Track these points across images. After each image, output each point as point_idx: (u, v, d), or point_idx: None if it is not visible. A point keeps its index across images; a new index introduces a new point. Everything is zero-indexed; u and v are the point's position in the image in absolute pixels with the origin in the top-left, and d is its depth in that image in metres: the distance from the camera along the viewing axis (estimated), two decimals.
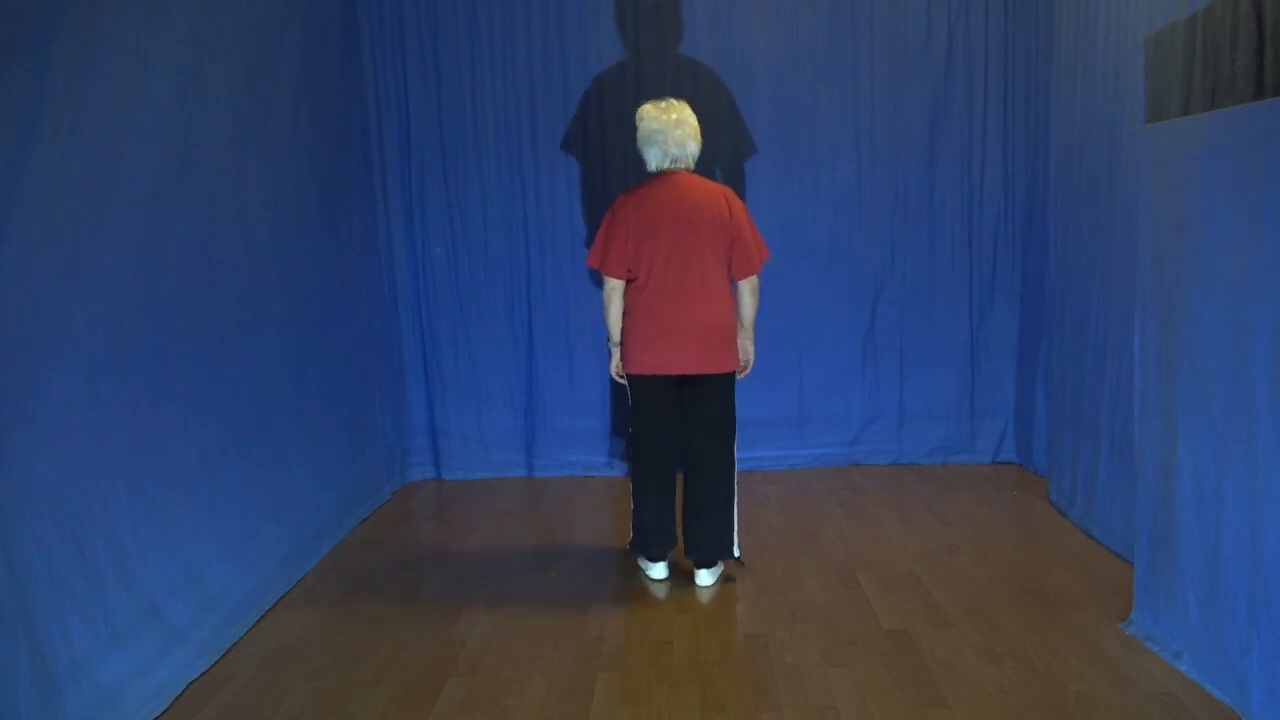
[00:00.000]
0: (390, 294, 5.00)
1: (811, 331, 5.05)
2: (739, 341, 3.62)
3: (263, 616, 3.44)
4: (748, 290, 3.57)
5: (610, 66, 4.90)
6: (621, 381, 3.66)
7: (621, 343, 3.58)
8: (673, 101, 3.56)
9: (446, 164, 4.97)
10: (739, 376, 3.69)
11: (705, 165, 4.95)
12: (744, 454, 5.08)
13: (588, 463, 5.16)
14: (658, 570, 3.71)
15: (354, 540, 4.26)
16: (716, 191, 3.51)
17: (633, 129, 4.93)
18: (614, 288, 3.52)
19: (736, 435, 3.64)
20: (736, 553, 3.68)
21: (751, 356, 3.67)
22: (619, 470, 5.09)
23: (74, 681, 2.44)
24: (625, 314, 3.55)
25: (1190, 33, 2.78)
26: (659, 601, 3.53)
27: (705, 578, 3.65)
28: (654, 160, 3.53)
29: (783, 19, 4.89)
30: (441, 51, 4.88)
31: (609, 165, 4.93)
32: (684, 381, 3.56)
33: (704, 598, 3.57)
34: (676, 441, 3.65)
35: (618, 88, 4.89)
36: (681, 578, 3.73)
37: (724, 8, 4.87)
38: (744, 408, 5.06)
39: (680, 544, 3.77)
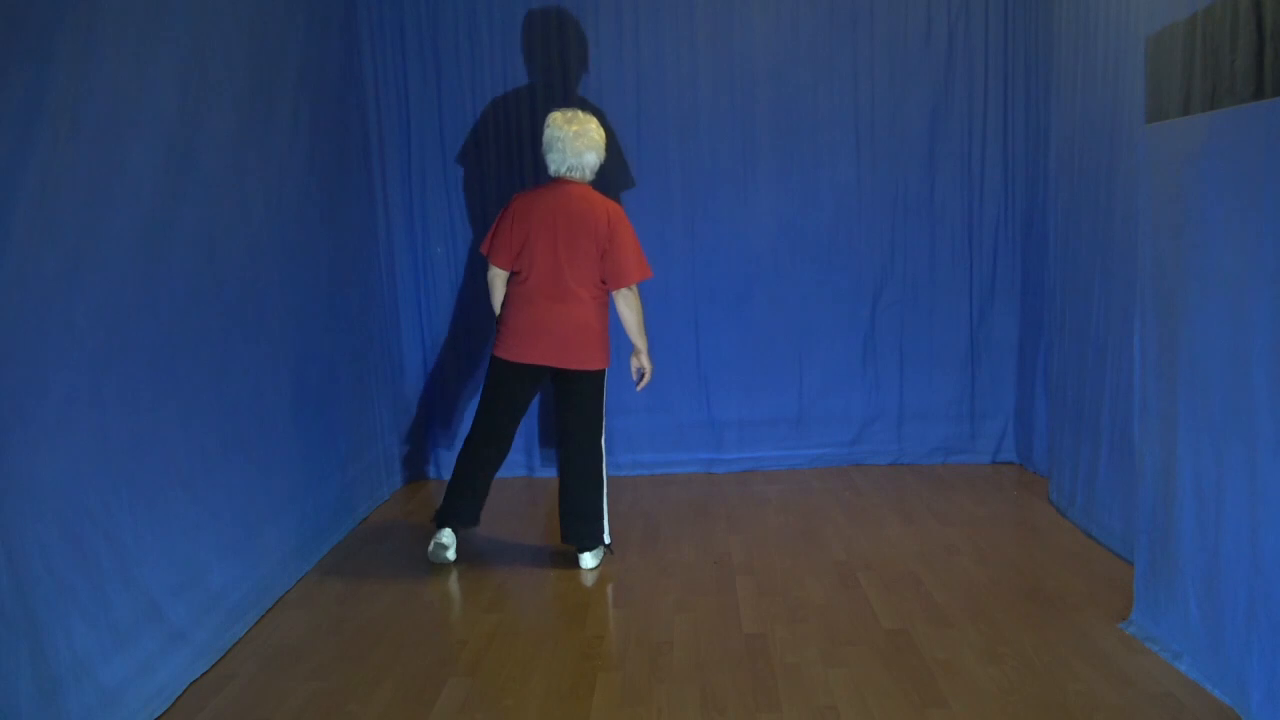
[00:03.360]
0: (390, 294, 5.00)
1: (811, 331, 5.05)
2: (632, 359, 3.91)
3: (263, 616, 3.44)
4: (621, 301, 3.80)
5: (611, 66, 4.89)
6: None
7: (497, 329, 3.86)
8: (579, 113, 3.80)
9: (446, 164, 4.97)
10: (638, 388, 3.99)
11: (708, 156, 4.98)
12: (744, 454, 5.13)
13: None
14: (444, 536, 3.91)
15: (354, 540, 4.26)
16: (600, 206, 3.75)
17: (633, 129, 4.94)
18: (495, 275, 3.84)
19: (603, 429, 3.89)
20: (607, 539, 3.92)
21: (648, 368, 3.91)
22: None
23: (75, 681, 2.44)
24: (506, 303, 3.82)
25: (1190, 33, 2.78)
26: (659, 601, 3.54)
27: (588, 560, 3.85)
28: (553, 165, 3.78)
29: (783, 19, 4.89)
30: (441, 51, 4.88)
31: (609, 164, 4.91)
32: (555, 376, 3.82)
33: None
34: (509, 433, 3.92)
35: (618, 87, 4.89)
36: (682, 576, 3.73)
37: (724, 8, 4.87)
38: (744, 408, 5.12)
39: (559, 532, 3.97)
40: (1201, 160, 2.74)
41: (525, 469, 5.19)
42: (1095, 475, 3.90)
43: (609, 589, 3.68)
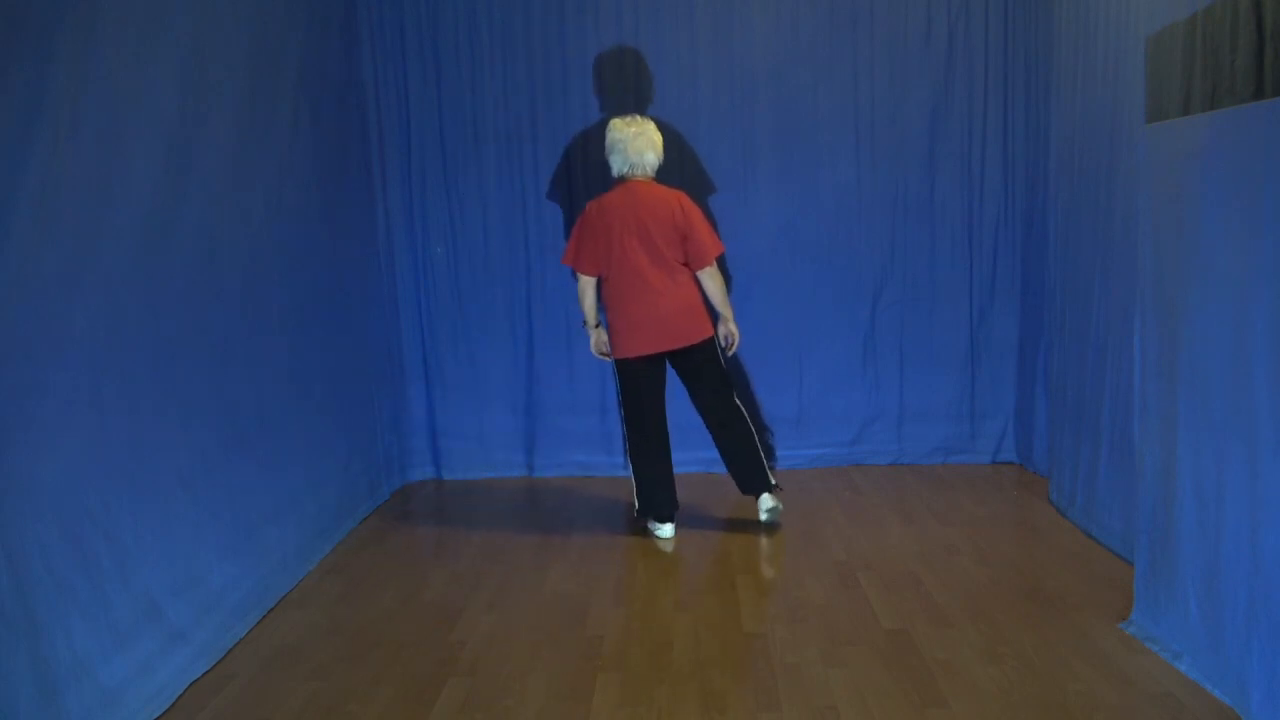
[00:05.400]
0: (390, 294, 5.00)
1: (811, 331, 5.05)
2: (720, 326, 4.19)
3: (263, 617, 3.44)
4: (707, 279, 4.09)
5: (611, 66, 4.89)
6: (602, 358, 4.28)
7: (608, 331, 4.16)
8: (637, 117, 4.10)
9: (446, 164, 4.97)
10: (728, 353, 4.23)
11: (708, 156, 4.98)
12: None
13: (588, 462, 5.16)
14: (665, 530, 4.17)
15: (354, 540, 4.26)
16: (670, 197, 4.03)
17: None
18: (586, 283, 4.13)
19: (734, 385, 4.23)
20: (773, 481, 4.20)
21: (735, 333, 4.21)
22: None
23: (76, 681, 2.44)
24: (604, 306, 4.13)
25: (1190, 33, 2.78)
26: (659, 601, 3.54)
27: (767, 500, 4.15)
28: (616, 166, 4.06)
29: (783, 19, 4.89)
30: (441, 51, 4.88)
31: (609, 164, 4.92)
32: (672, 356, 4.10)
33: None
34: (661, 418, 4.18)
35: (618, 87, 4.89)
36: (682, 576, 3.73)
37: (724, 8, 4.87)
38: (744, 408, 5.09)
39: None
40: (1201, 160, 2.74)
41: (525, 469, 5.19)
42: (1095, 475, 3.90)
43: (609, 589, 3.68)
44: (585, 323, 4.22)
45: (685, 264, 4.04)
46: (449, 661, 3.10)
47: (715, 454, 5.08)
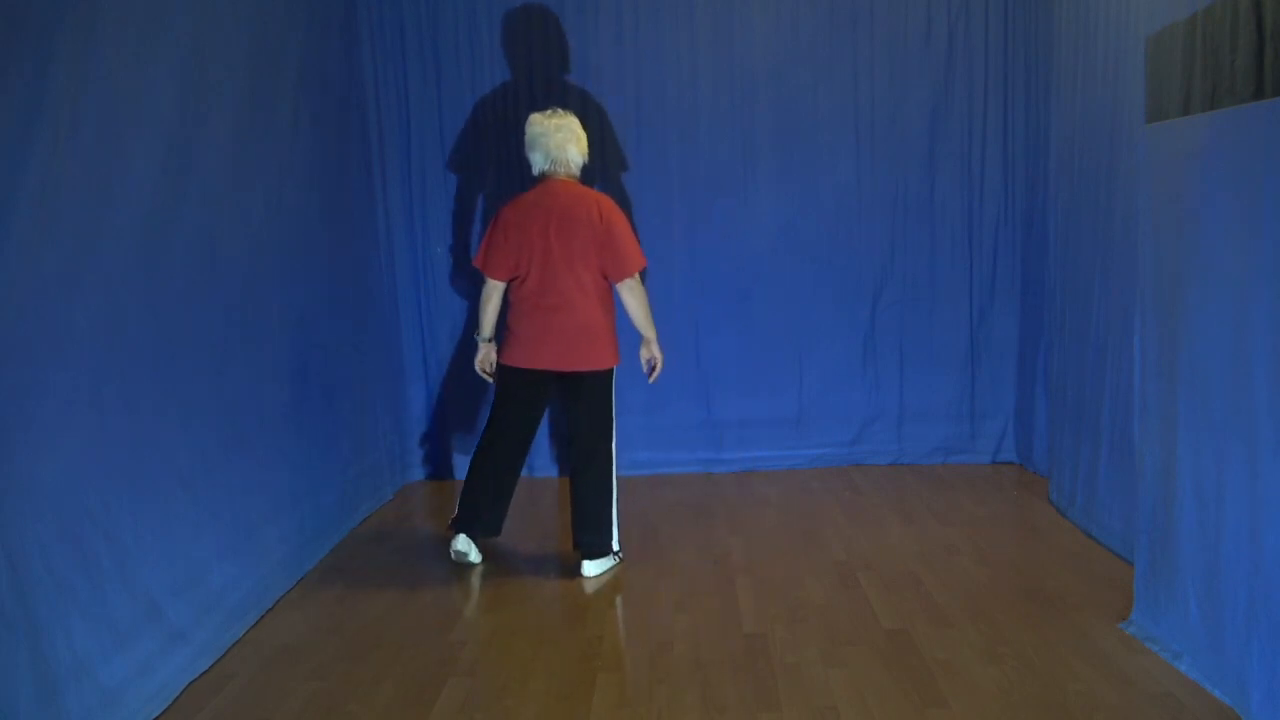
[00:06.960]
0: (390, 294, 5.00)
1: (811, 331, 5.05)
2: (641, 349, 3.86)
3: (263, 616, 3.44)
4: (626, 293, 3.74)
5: (611, 65, 4.89)
6: (484, 375, 3.95)
7: (502, 336, 3.82)
8: (559, 110, 3.81)
9: (446, 164, 4.97)
10: (650, 380, 3.94)
11: (708, 157, 4.98)
12: (744, 454, 5.13)
13: None
14: (461, 543, 3.85)
15: (354, 540, 4.26)
16: (589, 198, 3.72)
17: (633, 130, 4.92)
18: (493, 288, 3.79)
19: (614, 431, 3.82)
20: (615, 547, 3.84)
21: (658, 357, 3.86)
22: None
23: (75, 681, 2.44)
24: (508, 310, 3.80)
25: (1190, 33, 2.78)
26: (659, 602, 3.53)
27: (589, 568, 3.76)
28: (537, 163, 3.75)
29: (783, 19, 4.89)
30: (441, 51, 4.88)
31: (609, 164, 4.93)
32: (561, 378, 3.77)
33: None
34: (522, 439, 3.88)
35: (617, 86, 4.89)
36: (682, 576, 3.73)
37: (724, 8, 4.87)
38: (744, 408, 5.12)
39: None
40: (1201, 160, 2.74)
41: (525, 469, 5.16)
42: (1095, 475, 3.90)
43: (609, 589, 3.68)
44: (478, 333, 3.87)
45: (603, 275, 3.69)
46: (449, 661, 3.10)
47: (714, 454, 5.14)
